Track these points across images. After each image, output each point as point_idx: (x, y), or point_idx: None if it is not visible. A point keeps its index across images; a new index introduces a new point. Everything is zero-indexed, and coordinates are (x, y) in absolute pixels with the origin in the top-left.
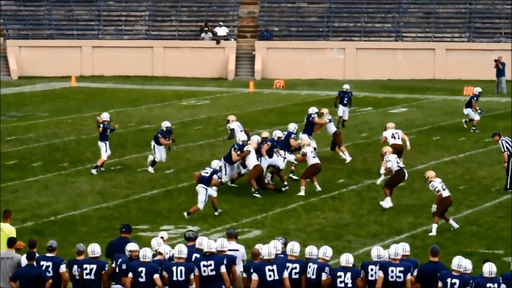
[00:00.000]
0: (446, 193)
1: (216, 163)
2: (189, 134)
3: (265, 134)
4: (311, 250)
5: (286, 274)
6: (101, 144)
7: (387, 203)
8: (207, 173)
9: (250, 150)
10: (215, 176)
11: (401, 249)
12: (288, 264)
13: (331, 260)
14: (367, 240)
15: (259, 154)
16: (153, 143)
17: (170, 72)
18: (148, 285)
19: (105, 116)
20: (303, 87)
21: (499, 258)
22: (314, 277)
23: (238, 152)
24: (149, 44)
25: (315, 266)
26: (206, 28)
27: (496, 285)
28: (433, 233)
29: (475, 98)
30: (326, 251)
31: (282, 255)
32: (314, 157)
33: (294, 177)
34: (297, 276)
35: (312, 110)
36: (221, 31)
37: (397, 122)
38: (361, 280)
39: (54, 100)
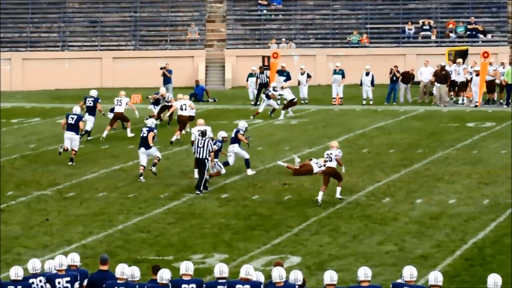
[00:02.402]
0: (327, 164)
1: (151, 122)
2: None
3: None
4: None
5: None
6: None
7: None
8: (145, 133)
9: None
10: (150, 133)
11: (68, 259)
12: None
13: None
14: (37, 251)
15: None
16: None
17: None
18: None
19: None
20: None
21: (169, 264)
22: None
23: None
24: None
25: None
26: None
27: None
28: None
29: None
30: None
31: None
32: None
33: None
34: None
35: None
36: None
37: None
38: None
39: None
